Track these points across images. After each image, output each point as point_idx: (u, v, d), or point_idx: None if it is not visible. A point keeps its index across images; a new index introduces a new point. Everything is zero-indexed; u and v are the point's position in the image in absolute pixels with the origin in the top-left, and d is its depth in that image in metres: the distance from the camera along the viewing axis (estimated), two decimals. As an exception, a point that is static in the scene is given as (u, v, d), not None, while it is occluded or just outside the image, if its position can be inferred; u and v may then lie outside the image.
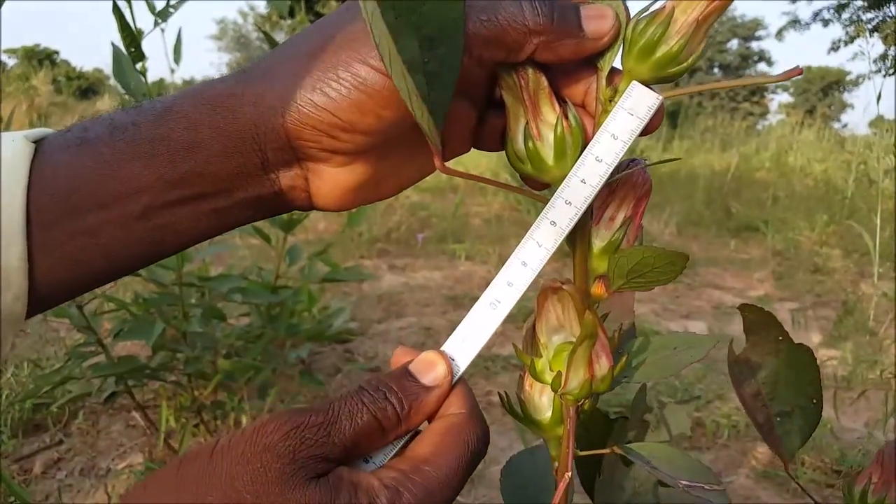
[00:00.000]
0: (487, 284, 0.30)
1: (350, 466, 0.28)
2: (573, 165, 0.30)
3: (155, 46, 1.32)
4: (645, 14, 0.29)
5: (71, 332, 1.75)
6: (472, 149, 0.36)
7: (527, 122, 0.31)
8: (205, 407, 1.29)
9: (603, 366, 0.31)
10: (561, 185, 0.29)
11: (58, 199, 0.29)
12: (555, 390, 0.31)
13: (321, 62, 0.29)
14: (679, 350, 0.32)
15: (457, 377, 0.30)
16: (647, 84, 0.30)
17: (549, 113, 0.30)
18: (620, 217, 0.32)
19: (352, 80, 0.29)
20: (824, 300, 2.63)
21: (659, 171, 5.53)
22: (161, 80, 1.40)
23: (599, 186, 0.29)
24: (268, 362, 1.26)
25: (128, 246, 0.31)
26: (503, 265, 0.30)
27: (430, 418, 0.30)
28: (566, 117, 0.30)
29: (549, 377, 0.32)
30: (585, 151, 0.29)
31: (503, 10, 0.28)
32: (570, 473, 0.29)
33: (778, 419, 0.50)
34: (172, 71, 1.37)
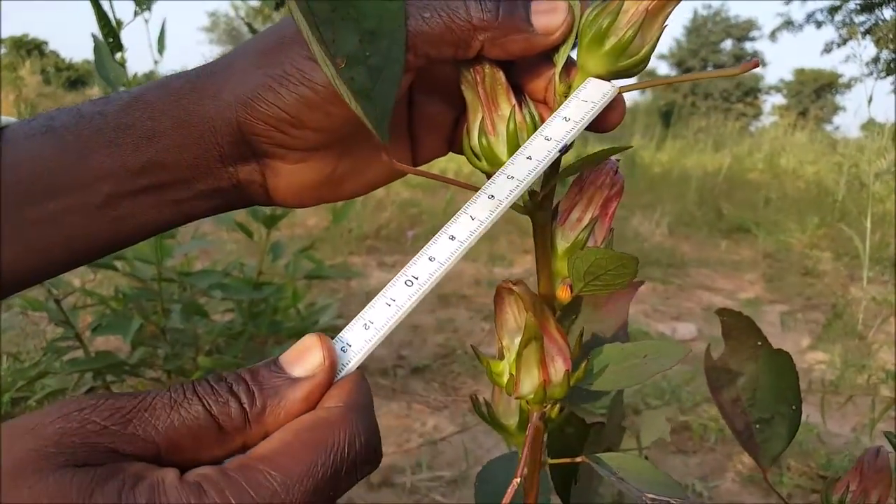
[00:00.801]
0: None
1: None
2: None
3: (141, 40, 1.30)
4: (597, 5, 0.28)
5: (52, 326, 1.73)
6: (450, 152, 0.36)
7: (482, 118, 0.30)
8: (185, 404, 1.27)
9: (558, 370, 0.29)
10: (505, 164, 0.28)
11: (20, 187, 0.29)
12: (509, 393, 0.30)
13: (272, 59, 0.29)
14: (649, 358, 0.31)
15: (349, 368, 0.24)
16: (605, 78, 0.28)
17: (506, 108, 0.30)
18: (587, 217, 0.31)
19: (298, 76, 0.29)
20: (814, 303, 2.64)
21: (651, 172, 5.54)
22: (151, 73, 1.38)
23: (545, 163, 0.27)
24: (249, 360, 1.25)
25: (89, 235, 0.31)
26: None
27: None
28: (520, 111, 0.30)
29: (505, 380, 0.30)
30: (535, 133, 0.28)
31: (446, 7, 0.27)
32: (517, 480, 0.28)
33: (757, 426, 0.49)
34: (156, 62, 1.35)
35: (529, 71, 0.30)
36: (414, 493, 1.31)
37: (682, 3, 0.27)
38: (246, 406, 0.22)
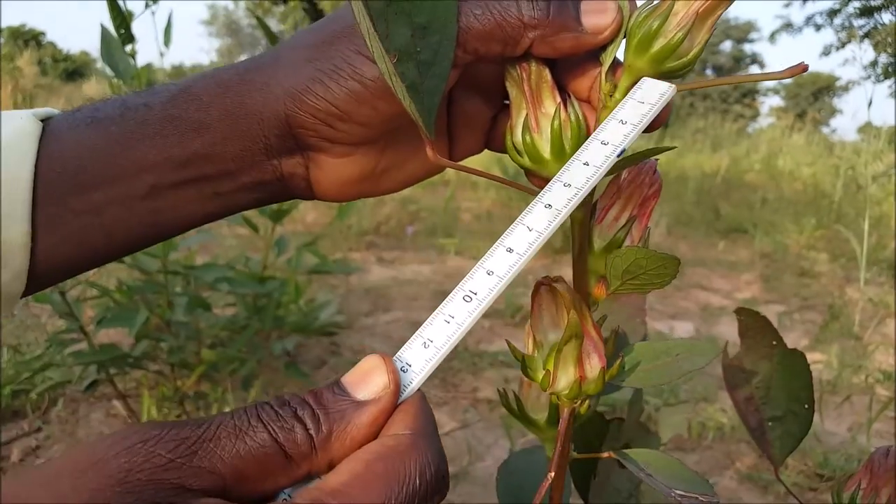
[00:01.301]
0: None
1: None
2: (573, 154, 0.29)
3: (145, 30, 1.30)
4: (647, 6, 0.28)
5: (53, 319, 1.73)
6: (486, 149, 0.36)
7: (526, 115, 0.30)
8: (187, 397, 1.27)
9: (594, 367, 0.30)
10: (560, 170, 0.28)
11: (65, 177, 0.29)
12: (544, 389, 0.30)
13: (322, 53, 0.29)
14: (681, 357, 0.31)
15: (411, 389, 0.24)
16: (650, 77, 0.29)
17: (550, 106, 0.30)
18: (625, 217, 0.31)
19: (349, 70, 0.29)
20: (811, 304, 2.65)
21: (649, 171, 5.53)
22: (149, 65, 1.38)
23: (603, 169, 0.27)
24: (252, 354, 1.25)
25: (129, 226, 0.31)
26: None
27: None
28: (565, 110, 0.30)
29: (540, 376, 0.31)
30: (591, 137, 0.28)
31: (498, 5, 0.28)
32: (552, 474, 0.28)
33: (770, 424, 0.49)
34: (162, 55, 1.35)
35: (574, 69, 0.30)
36: (415, 489, 1.32)
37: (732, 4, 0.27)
38: (312, 432, 0.22)
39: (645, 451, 0.32)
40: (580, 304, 0.29)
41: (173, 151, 0.30)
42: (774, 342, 0.48)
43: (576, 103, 0.30)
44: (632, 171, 0.31)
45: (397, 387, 0.23)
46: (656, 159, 0.31)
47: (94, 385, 1.21)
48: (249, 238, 2.62)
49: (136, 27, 1.08)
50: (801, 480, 1.42)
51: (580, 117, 0.30)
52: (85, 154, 0.30)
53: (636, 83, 0.29)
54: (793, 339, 2.23)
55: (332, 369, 1.69)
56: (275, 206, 1.15)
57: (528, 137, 0.30)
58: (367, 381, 0.23)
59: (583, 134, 0.30)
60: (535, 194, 0.29)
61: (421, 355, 0.24)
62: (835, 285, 2.87)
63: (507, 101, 0.32)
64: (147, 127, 0.30)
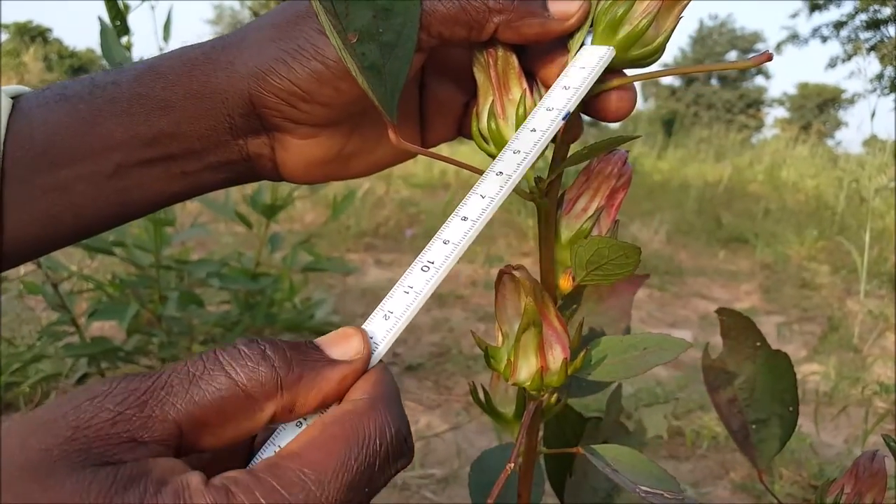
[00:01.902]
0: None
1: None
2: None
3: (147, 27, 1.30)
4: None
5: (48, 311, 1.72)
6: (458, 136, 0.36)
7: (492, 101, 0.30)
8: (178, 393, 1.26)
9: (556, 358, 0.29)
10: (511, 139, 0.28)
11: (33, 154, 0.29)
12: (506, 379, 0.30)
13: (286, 32, 0.29)
14: (649, 350, 0.30)
15: (374, 359, 0.24)
16: (617, 68, 0.28)
17: (517, 92, 0.30)
18: (593, 207, 0.31)
19: (311, 50, 0.28)
20: (810, 315, 2.64)
21: (651, 179, 5.54)
22: (147, 58, 1.38)
23: (549, 132, 0.27)
24: (244, 350, 1.24)
25: (97, 205, 0.31)
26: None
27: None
28: (531, 97, 0.29)
29: (503, 366, 0.30)
30: (537, 105, 0.28)
31: None
32: (511, 465, 0.28)
33: (754, 426, 0.49)
34: (161, 50, 1.35)
35: (543, 56, 0.30)
36: (404, 491, 1.31)
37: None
38: (280, 371, 0.21)
39: (615, 447, 0.31)
40: (541, 293, 0.29)
41: (140, 129, 0.30)
42: (758, 343, 0.47)
43: (542, 90, 0.30)
44: (601, 161, 0.31)
45: (369, 354, 0.23)
46: (627, 150, 0.31)
47: (84, 378, 1.21)
48: (245, 235, 2.61)
49: (138, 24, 1.08)
50: (795, 491, 1.41)
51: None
52: (53, 131, 0.30)
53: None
54: (791, 351, 2.22)
55: (326, 369, 1.68)
56: (269, 202, 1.15)
57: (493, 124, 0.30)
58: (342, 343, 0.23)
59: None
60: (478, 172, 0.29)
61: (382, 327, 0.25)
62: (835, 297, 2.86)
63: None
64: (114, 105, 0.30)
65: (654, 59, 0.28)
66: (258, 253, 1.22)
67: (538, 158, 0.28)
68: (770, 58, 0.25)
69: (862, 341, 2.28)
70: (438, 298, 2.43)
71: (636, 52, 0.28)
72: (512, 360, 0.29)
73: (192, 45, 0.32)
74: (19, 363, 1.26)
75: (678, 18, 0.28)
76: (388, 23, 0.26)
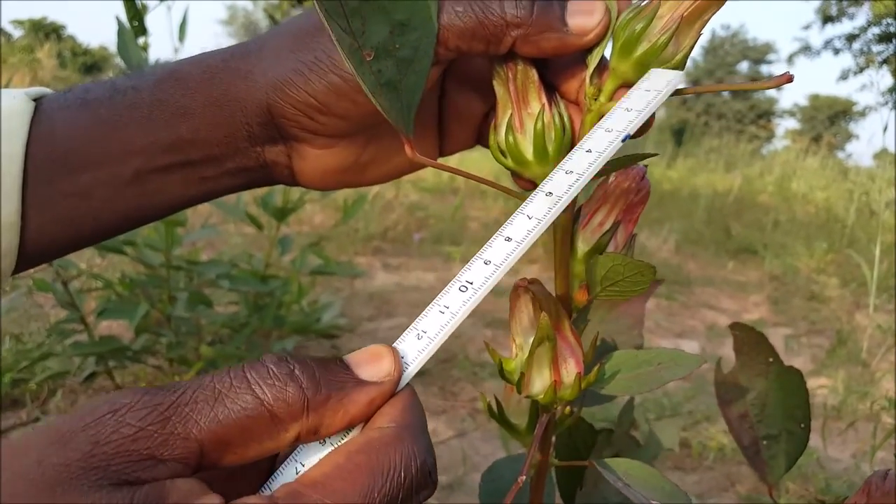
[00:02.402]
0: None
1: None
2: (553, 161, 0.28)
3: (162, 27, 1.31)
4: (632, 8, 0.28)
5: (56, 309, 1.73)
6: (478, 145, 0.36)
7: (511, 114, 0.29)
8: (185, 393, 1.27)
9: (570, 371, 0.29)
10: (564, 159, 0.27)
11: (54, 158, 0.30)
12: (519, 392, 0.30)
13: (305, 44, 0.29)
14: (663, 366, 0.30)
15: (406, 379, 0.23)
16: (634, 83, 0.28)
17: (536, 106, 0.29)
18: (610, 221, 0.31)
19: (329, 62, 0.29)
20: (819, 328, 2.62)
21: (661, 188, 5.52)
22: (167, 63, 1.39)
23: (606, 154, 0.26)
24: (251, 352, 1.25)
25: (116, 208, 0.31)
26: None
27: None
28: (550, 111, 0.29)
29: (516, 378, 0.30)
30: (595, 126, 0.27)
31: (480, 3, 0.27)
32: (522, 477, 0.27)
33: (765, 442, 0.48)
34: (176, 50, 1.35)
35: (563, 70, 0.30)
36: (408, 496, 1.31)
37: (718, 11, 0.27)
38: (308, 392, 0.20)
39: (626, 460, 0.31)
40: (556, 308, 0.29)
41: (160, 135, 0.30)
42: (770, 359, 0.47)
43: (562, 105, 0.30)
44: (619, 176, 0.31)
45: (400, 376, 0.23)
46: (645, 165, 0.31)
47: (92, 377, 1.21)
48: (255, 236, 2.62)
49: (154, 24, 1.09)
50: (801, 505, 1.40)
51: (564, 119, 0.29)
52: (74, 135, 0.30)
53: (620, 86, 0.28)
54: (799, 364, 2.21)
55: (332, 372, 1.68)
56: (279, 204, 1.15)
57: (511, 137, 0.29)
58: (373, 363, 0.22)
59: (567, 136, 0.29)
60: (512, 195, 0.29)
61: (414, 346, 0.24)
62: (844, 310, 2.84)
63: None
64: (135, 110, 0.30)
65: None
66: (268, 255, 1.22)
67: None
68: (791, 79, 0.24)
69: (871, 355, 2.26)
70: (445, 303, 2.43)
71: (655, 69, 0.27)
72: (525, 372, 0.29)
73: (212, 52, 0.32)
74: (27, 361, 1.27)
75: (698, 34, 0.27)
76: (404, 38, 0.26)
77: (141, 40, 0.94)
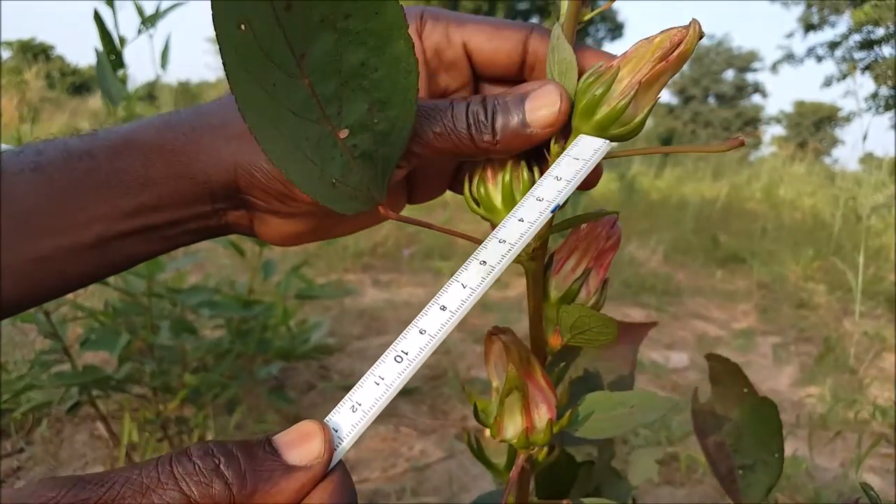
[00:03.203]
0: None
1: None
2: None
3: (149, 49, 1.31)
4: (593, 71, 0.29)
5: (42, 338, 1.72)
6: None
7: (483, 167, 0.31)
8: (170, 421, 1.26)
9: (542, 417, 0.30)
10: (497, 227, 0.28)
11: (15, 221, 0.30)
12: (494, 437, 0.31)
13: None
14: (636, 409, 0.31)
15: (338, 454, 0.23)
16: None
17: (506, 160, 0.31)
18: (581, 268, 0.32)
19: None
20: (807, 335, 2.63)
21: (649, 198, 5.56)
22: (155, 81, 1.40)
23: (537, 224, 0.27)
24: (236, 378, 1.24)
25: (80, 269, 0.31)
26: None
27: None
28: (517, 164, 0.31)
29: (491, 422, 0.31)
30: (528, 193, 0.29)
31: (454, 131, 0.28)
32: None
33: (741, 471, 0.49)
34: (158, 77, 1.36)
35: None
36: (399, 519, 1.30)
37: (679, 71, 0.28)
38: (234, 488, 0.21)
39: (601, 500, 0.32)
40: (525, 356, 0.30)
41: (120, 203, 0.30)
42: (745, 389, 0.47)
43: (529, 158, 0.31)
44: (589, 223, 0.32)
45: (330, 457, 0.22)
46: (616, 213, 0.32)
47: (76, 407, 1.20)
48: (243, 257, 2.61)
49: (137, 44, 1.09)
50: (791, 517, 1.40)
51: (534, 172, 0.31)
52: (32, 204, 0.30)
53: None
54: (788, 372, 2.22)
55: (320, 394, 1.67)
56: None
57: (482, 189, 0.31)
58: (301, 445, 0.22)
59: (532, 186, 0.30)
60: (473, 241, 0.30)
61: (349, 420, 0.24)
62: (832, 317, 2.86)
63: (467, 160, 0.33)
64: (92, 176, 0.30)
65: (633, 136, 0.29)
66: (251, 280, 1.22)
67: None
68: (743, 143, 0.25)
69: (858, 362, 2.28)
70: (435, 319, 2.43)
71: (615, 130, 0.28)
72: (498, 418, 0.30)
73: (168, 119, 0.32)
74: (10, 392, 1.26)
75: (657, 97, 0.28)
76: (383, 114, 0.26)
77: (119, 72, 0.94)
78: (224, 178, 0.30)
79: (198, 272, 2.38)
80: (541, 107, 0.28)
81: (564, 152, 0.29)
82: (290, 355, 1.34)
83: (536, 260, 0.31)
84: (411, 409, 1.81)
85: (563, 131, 0.30)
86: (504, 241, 0.27)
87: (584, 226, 0.32)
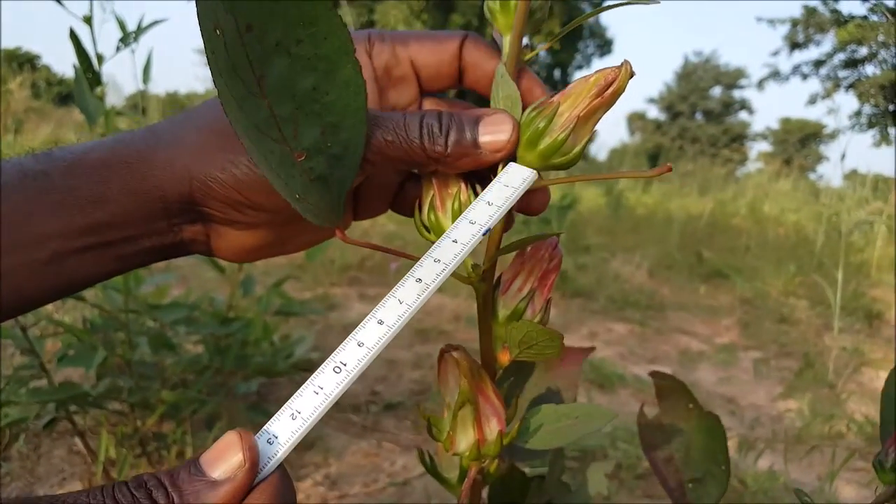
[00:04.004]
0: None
1: None
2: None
3: (133, 61, 1.32)
4: (536, 105, 0.31)
5: (17, 352, 1.71)
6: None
7: (433, 195, 0.33)
8: (148, 437, 1.26)
9: (493, 430, 0.32)
10: (432, 246, 0.30)
11: None
12: (446, 450, 0.33)
13: (226, 139, 0.30)
14: (580, 420, 0.33)
15: (275, 461, 0.24)
16: (538, 170, 0.31)
17: (454, 188, 0.32)
18: (527, 288, 0.34)
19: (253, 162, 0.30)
20: (788, 350, 2.66)
21: (635, 214, 5.60)
22: (143, 93, 1.41)
23: (470, 246, 0.29)
24: (213, 395, 1.24)
25: (37, 286, 0.32)
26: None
27: None
28: (466, 191, 0.32)
29: (444, 437, 0.33)
30: (461, 217, 0.30)
31: (405, 138, 0.30)
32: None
33: (690, 485, 0.50)
34: (142, 92, 1.37)
35: None
36: (378, 535, 1.30)
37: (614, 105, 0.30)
38: None
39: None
40: (477, 371, 0.31)
41: (75, 220, 0.31)
42: (691, 405, 0.49)
43: (478, 186, 0.33)
44: (534, 246, 0.34)
45: (253, 464, 0.23)
46: (557, 236, 0.34)
47: (51, 423, 1.20)
48: (228, 272, 2.61)
49: (122, 57, 1.10)
50: (768, 532, 1.42)
51: None
52: None
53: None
54: (768, 386, 2.24)
55: (301, 409, 1.67)
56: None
57: (432, 216, 0.33)
58: (223, 459, 0.23)
59: None
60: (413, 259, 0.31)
61: (288, 427, 0.25)
62: (812, 332, 2.89)
63: (415, 170, 0.34)
64: (47, 195, 0.31)
65: (572, 164, 0.31)
66: (230, 297, 1.23)
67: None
68: (670, 169, 0.27)
69: (837, 377, 2.30)
70: (421, 333, 2.44)
71: (556, 160, 0.30)
72: (451, 432, 0.32)
73: (123, 137, 0.33)
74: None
75: (593, 130, 0.31)
76: (336, 138, 0.27)
77: (97, 90, 0.95)
78: (179, 191, 0.31)
79: (181, 285, 2.38)
80: (494, 131, 0.30)
81: (495, 179, 0.31)
82: (270, 371, 1.34)
83: (486, 281, 0.33)
84: (394, 423, 1.81)
85: (509, 160, 0.31)
86: (439, 261, 0.29)
87: (529, 248, 0.34)
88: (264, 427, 0.25)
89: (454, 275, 0.30)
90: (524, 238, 0.32)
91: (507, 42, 0.32)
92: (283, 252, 0.36)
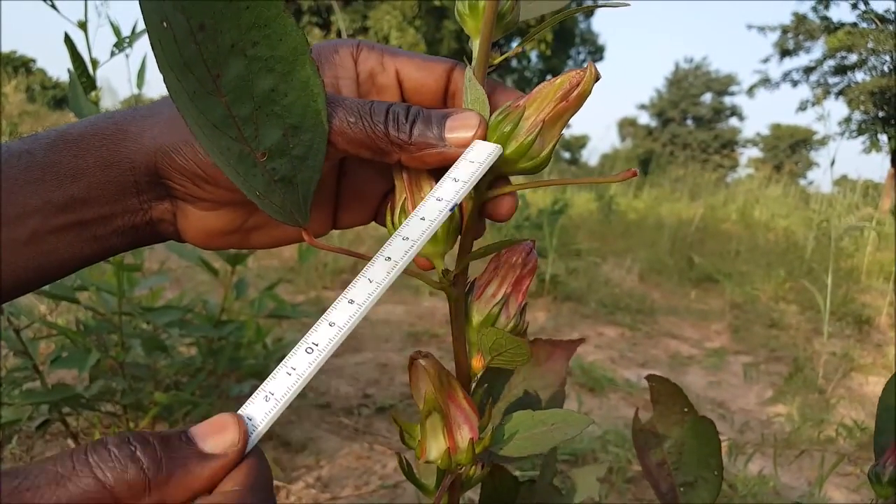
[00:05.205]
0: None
1: None
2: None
3: (130, 64, 1.32)
4: (503, 110, 0.31)
5: (10, 354, 1.70)
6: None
7: (405, 198, 0.32)
8: (141, 439, 1.25)
9: (464, 437, 0.32)
10: (401, 226, 0.30)
11: None
12: (418, 458, 0.32)
13: None
14: (556, 426, 0.33)
15: (251, 442, 0.24)
16: (506, 175, 0.31)
17: (427, 190, 0.32)
18: (501, 293, 0.34)
19: None
20: (777, 355, 2.68)
21: (626, 218, 5.62)
22: (138, 97, 1.41)
23: (437, 222, 0.29)
24: (206, 397, 1.24)
25: (16, 269, 0.32)
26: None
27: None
28: None
29: (415, 444, 0.33)
30: (428, 195, 0.30)
31: (369, 119, 0.30)
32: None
33: (682, 489, 0.51)
34: (137, 96, 1.37)
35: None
36: (369, 538, 1.30)
37: (580, 111, 0.30)
38: (149, 473, 0.21)
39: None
40: (446, 378, 0.31)
41: (53, 195, 0.31)
42: (685, 409, 0.49)
43: None
44: (508, 251, 0.34)
45: (244, 447, 0.24)
46: (533, 240, 0.34)
47: (45, 424, 1.20)
48: (221, 274, 2.61)
49: (120, 59, 1.10)
50: (757, 536, 1.43)
51: None
52: None
53: (497, 178, 0.31)
54: (757, 391, 2.26)
55: (294, 412, 1.68)
56: (233, 250, 1.16)
57: (404, 219, 0.32)
58: (217, 435, 0.23)
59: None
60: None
61: (262, 409, 0.25)
62: (802, 337, 2.91)
63: (378, 159, 0.34)
64: (29, 172, 0.31)
65: (541, 168, 0.31)
66: (223, 299, 1.23)
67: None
68: (636, 174, 0.27)
69: (826, 382, 2.32)
70: (413, 336, 2.44)
71: (524, 164, 0.30)
72: (422, 440, 0.31)
73: (106, 114, 0.33)
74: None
75: (560, 133, 0.30)
76: (297, 139, 0.27)
77: (91, 94, 0.95)
78: (145, 162, 0.32)
79: (175, 288, 2.38)
80: (460, 127, 0.30)
81: (461, 156, 0.30)
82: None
83: (457, 286, 0.33)
84: (386, 426, 1.82)
85: None
86: (407, 238, 0.29)
87: (503, 253, 0.34)
88: (239, 410, 0.25)
89: (425, 280, 0.31)
90: (495, 242, 0.32)
91: (475, 45, 0.32)
92: (248, 244, 0.36)
